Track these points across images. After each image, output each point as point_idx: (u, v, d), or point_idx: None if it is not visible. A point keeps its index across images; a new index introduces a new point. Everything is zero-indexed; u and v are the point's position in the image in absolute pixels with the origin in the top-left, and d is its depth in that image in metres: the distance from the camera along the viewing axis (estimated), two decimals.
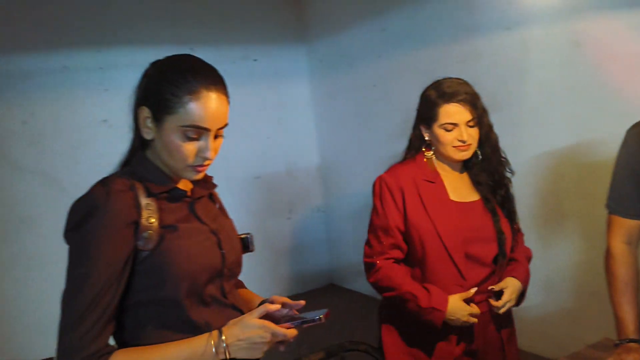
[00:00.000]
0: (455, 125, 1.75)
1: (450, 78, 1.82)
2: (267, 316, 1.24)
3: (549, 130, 2.96)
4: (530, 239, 3.08)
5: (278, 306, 1.25)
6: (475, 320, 1.74)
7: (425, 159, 1.86)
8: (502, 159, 1.88)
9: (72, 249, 1.15)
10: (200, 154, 1.21)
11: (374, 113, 4.33)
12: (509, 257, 1.87)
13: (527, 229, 3.09)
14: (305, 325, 1.24)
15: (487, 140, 1.83)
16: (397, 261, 1.86)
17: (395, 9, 3.91)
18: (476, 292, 1.78)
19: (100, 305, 1.11)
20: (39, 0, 3.85)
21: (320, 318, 1.23)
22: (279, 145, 4.95)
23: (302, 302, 1.31)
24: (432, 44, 3.63)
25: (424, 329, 1.79)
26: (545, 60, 2.92)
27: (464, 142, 1.75)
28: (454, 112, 1.74)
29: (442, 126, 1.76)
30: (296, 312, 1.30)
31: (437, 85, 1.80)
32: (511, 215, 1.90)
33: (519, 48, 3.04)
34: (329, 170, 5.09)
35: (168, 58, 1.25)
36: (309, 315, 1.26)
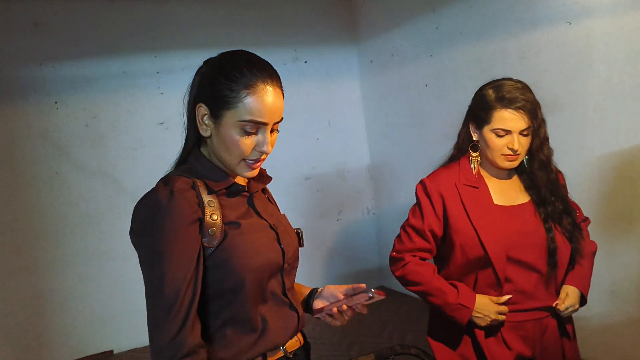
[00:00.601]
0: (508, 132, 1.67)
1: (512, 80, 1.72)
2: (323, 298, 1.36)
3: (616, 129, 2.80)
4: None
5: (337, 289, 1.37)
6: (504, 317, 1.69)
7: (469, 160, 1.79)
8: (553, 176, 1.77)
9: (142, 251, 1.16)
10: (257, 148, 1.21)
11: (425, 113, 4.24)
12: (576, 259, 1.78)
13: (593, 235, 2.95)
14: (359, 301, 1.29)
15: (537, 154, 1.73)
16: (423, 260, 1.83)
17: (449, 5, 3.82)
18: (530, 298, 1.71)
19: (183, 303, 1.12)
20: (98, 9, 4.03)
21: (373, 292, 1.25)
22: (329, 146, 4.94)
23: (363, 285, 1.33)
24: (488, 40, 3.51)
25: (477, 334, 1.74)
26: (611, 55, 2.77)
27: (514, 151, 1.67)
28: (509, 119, 1.66)
29: (494, 131, 1.68)
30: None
31: (496, 87, 1.71)
32: (570, 235, 1.78)
33: (582, 43, 2.90)
34: (379, 171, 5.03)
35: (222, 55, 1.26)
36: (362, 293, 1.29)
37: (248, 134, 1.19)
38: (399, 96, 4.52)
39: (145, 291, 1.15)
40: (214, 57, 1.26)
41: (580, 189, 2.92)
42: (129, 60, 4.15)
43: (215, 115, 1.19)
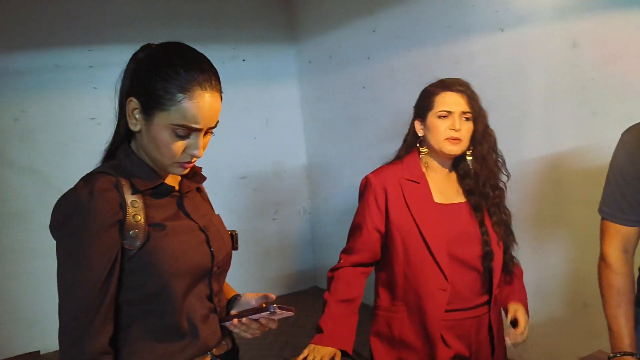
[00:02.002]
0: (449, 113, 1.72)
1: (453, 77, 1.81)
2: (239, 306, 1.30)
3: (545, 134, 2.92)
4: (523, 245, 3.04)
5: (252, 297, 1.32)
6: None
7: (417, 156, 1.82)
8: (499, 161, 1.84)
9: (58, 250, 1.10)
10: (188, 151, 1.16)
11: (362, 115, 4.28)
12: (510, 273, 1.85)
13: (520, 234, 3.04)
14: (262, 316, 1.24)
15: (485, 140, 1.79)
16: (364, 265, 1.83)
17: (386, 10, 3.87)
18: (467, 297, 1.74)
19: (91, 308, 1.07)
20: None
21: (274, 308, 1.20)
22: (267, 145, 4.92)
23: (273, 296, 1.29)
24: (424, 45, 3.58)
25: (417, 334, 1.75)
26: (542, 61, 2.88)
27: (456, 131, 1.71)
28: (449, 101, 1.73)
29: (437, 114, 1.74)
30: (263, 305, 1.26)
31: (438, 80, 1.81)
32: (503, 226, 1.84)
33: (514, 49, 3.00)
34: (316, 171, 5.03)
35: (161, 46, 1.18)
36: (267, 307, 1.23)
37: (180, 137, 1.13)
38: (337, 97, 4.54)
39: (58, 293, 1.10)
40: (153, 46, 1.19)
41: (510, 190, 3.00)
42: (62, 53, 4.03)
43: (147, 112, 1.13)
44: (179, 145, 1.14)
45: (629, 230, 1.59)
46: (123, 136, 1.21)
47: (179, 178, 1.28)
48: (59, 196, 1.12)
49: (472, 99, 1.74)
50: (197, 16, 4.51)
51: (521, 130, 3.02)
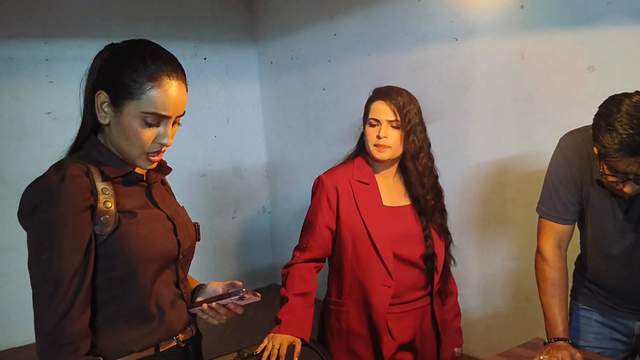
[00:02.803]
0: (378, 122, 1.84)
1: (398, 87, 1.92)
2: (205, 294, 1.38)
3: (492, 139, 3.08)
4: (469, 244, 3.21)
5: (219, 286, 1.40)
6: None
7: (367, 159, 1.94)
8: (434, 175, 1.95)
9: (30, 236, 1.13)
10: (158, 140, 1.22)
11: (322, 116, 4.37)
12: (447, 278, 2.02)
13: (466, 233, 3.20)
14: (230, 300, 1.30)
15: (418, 155, 1.90)
16: (316, 261, 1.93)
17: (347, 15, 3.97)
18: (411, 291, 1.86)
19: (69, 291, 1.10)
20: None
21: (243, 293, 1.27)
22: (227, 144, 4.95)
23: (239, 283, 1.36)
24: (382, 50, 3.70)
25: (363, 327, 1.86)
26: (491, 71, 3.04)
27: (380, 139, 1.83)
28: (378, 109, 1.85)
29: (369, 121, 1.87)
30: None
31: (379, 88, 1.94)
32: (443, 230, 1.96)
33: (466, 58, 3.15)
34: (276, 171, 5.11)
35: (126, 42, 1.24)
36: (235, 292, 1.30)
37: (150, 125, 1.19)
38: (298, 98, 4.62)
39: (31, 277, 1.13)
40: (118, 44, 1.24)
41: (459, 191, 3.17)
42: (16, 45, 3.93)
43: (116, 104, 1.18)
44: (149, 134, 1.20)
45: (564, 228, 1.74)
46: (90, 130, 1.25)
47: (145, 170, 1.32)
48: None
49: (401, 108, 1.84)
50: (157, 12, 4.50)
51: (470, 135, 3.18)
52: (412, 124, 1.86)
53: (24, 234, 1.15)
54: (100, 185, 1.18)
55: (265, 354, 1.66)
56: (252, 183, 5.16)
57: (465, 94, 3.19)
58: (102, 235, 1.16)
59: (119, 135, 1.21)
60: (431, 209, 1.93)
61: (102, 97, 1.19)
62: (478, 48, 3.09)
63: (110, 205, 1.18)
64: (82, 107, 1.26)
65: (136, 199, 1.26)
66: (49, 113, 3.97)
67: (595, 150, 1.51)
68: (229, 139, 4.96)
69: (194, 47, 4.70)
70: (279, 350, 1.68)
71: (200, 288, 1.45)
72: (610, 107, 1.45)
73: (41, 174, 1.17)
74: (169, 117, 1.21)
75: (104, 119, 1.21)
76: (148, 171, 1.32)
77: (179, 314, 1.32)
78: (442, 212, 1.97)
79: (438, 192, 1.96)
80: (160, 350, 1.25)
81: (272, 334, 1.75)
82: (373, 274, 1.85)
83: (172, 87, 1.19)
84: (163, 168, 1.38)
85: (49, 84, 4.01)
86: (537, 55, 2.82)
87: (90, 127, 1.25)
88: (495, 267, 3.15)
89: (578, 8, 2.62)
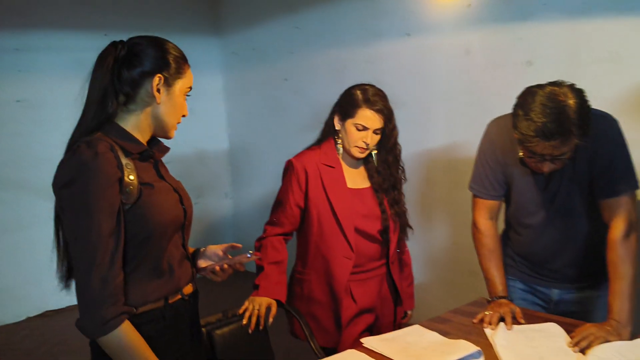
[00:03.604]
0: (365, 129, 2.03)
1: (375, 87, 2.08)
2: (206, 257, 1.61)
3: (440, 127, 3.36)
4: (419, 221, 3.49)
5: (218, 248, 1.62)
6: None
7: (333, 144, 2.14)
8: (401, 168, 2.21)
9: (68, 205, 1.29)
10: (185, 111, 1.50)
11: (284, 106, 4.57)
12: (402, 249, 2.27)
13: (418, 212, 3.48)
14: (238, 260, 1.57)
15: (392, 151, 2.14)
16: (286, 235, 2.16)
17: (308, 9, 4.18)
18: (370, 261, 2.13)
19: (108, 251, 1.28)
20: None
21: (251, 254, 1.54)
22: (190, 132, 5.03)
23: (239, 245, 1.59)
24: (341, 43, 3.93)
25: (324, 294, 2.11)
26: (441, 65, 3.31)
27: (366, 145, 2.05)
28: (369, 118, 2.02)
29: (355, 125, 2.04)
30: (229, 257, 1.60)
31: (363, 90, 2.06)
32: (401, 217, 2.22)
33: (419, 53, 3.42)
34: (239, 158, 5.28)
35: (143, 37, 1.45)
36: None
37: (184, 98, 1.48)
38: (260, 88, 4.81)
39: (71, 242, 1.30)
40: (138, 37, 1.45)
41: (411, 175, 3.43)
42: None
43: (169, 84, 1.42)
44: (185, 105, 1.48)
45: (493, 203, 2.01)
46: (109, 115, 1.40)
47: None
48: None
49: (387, 118, 2.05)
50: (122, 3, 4.59)
51: (425, 123, 3.45)
52: (392, 125, 2.09)
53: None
54: (124, 160, 1.36)
55: (247, 314, 1.89)
56: (215, 170, 5.31)
57: (417, 86, 3.46)
58: (127, 204, 1.34)
59: (167, 111, 1.44)
60: (396, 202, 2.18)
61: (157, 80, 1.40)
62: (428, 43, 3.36)
63: (133, 178, 1.35)
64: (96, 98, 1.39)
65: (150, 173, 1.45)
66: (18, 101, 4.05)
67: (515, 135, 1.73)
68: (193, 127, 5.04)
69: None
70: (258, 310, 1.91)
71: (198, 252, 1.65)
72: (527, 98, 1.68)
73: (73, 150, 1.32)
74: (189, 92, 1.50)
75: (159, 99, 1.42)
76: (153, 149, 1.51)
77: (185, 271, 1.52)
78: (400, 195, 2.22)
79: (399, 180, 2.21)
80: (169, 302, 1.44)
81: (252, 297, 1.97)
82: (336, 248, 2.08)
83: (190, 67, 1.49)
84: (162, 147, 1.57)
85: (18, 73, 4.09)
86: (481, 51, 3.10)
87: (106, 116, 1.40)
88: (442, 242, 3.45)
89: (518, 7, 2.91)
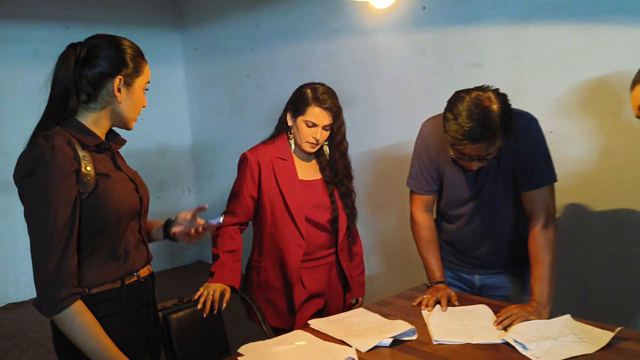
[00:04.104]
0: (315, 125, 2.16)
1: (324, 86, 2.21)
2: (178, 223, 1.73)
3: (393, 125, 3.50)
4: (369, 214, 3.62)
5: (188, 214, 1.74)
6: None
7: (286, 139, 2.26)
8: (348, 164, 2.33)
9: (27, 194, 1.39)
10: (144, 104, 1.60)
11: (246, 101, 4.66)
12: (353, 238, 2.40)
13: (364, 207, 3.62)
14: (209, 224, 1.73)
15: (339, 147, 2.27)
16: (241, 224, 2.27)
17: (269, 6, 4.27)
18: (320, 249, 2.24)
19: (63, 238, 1.37)
20: None
21: (222, 218, 1.71)
22: (151, 126, 5.07)
23: (205, 206, 1.72)
24: (302, 41, 4.04)
25: (278, 280, 2.22)
26: (395, 64, 3.45)
27: (316, 140, 2.17)
28: (318, 115, 2.15)
29: (306, 121, 2.17)
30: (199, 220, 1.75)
31: (313, 88, 2.18)
32: (350, 209, 2.34)
33: (374, 52, 3.55)
34: (201, 152, 5.34)
35: (104, 36, 1.53)
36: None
37: (144, 93, 1.58)
38: (222, 84, 4.88)
39: (30, 229, 1.38)
40: (96, 38, 1.52)
41: (361, 169, 3.57)
42: None
43: (129, 83, 1.51)
44: (144, 98, 1.58)
45: (428, 197, 2.16)
46: (71, 112, 1.50)
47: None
48: None
49: (335, 115, 2.18)
50: None
51: (379, 120, 3.59)
52: (340, 122, 2.22)
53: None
54: (81, 152, 1.45)
55: (202, 299, 1.99)
56: (177, 164, 5.36)
57: (373, 83, 3.59)
58: (84, 193, 1.44)
59: (127, 108, 1.53)
60: (341, 185, 2.31)
61: (118, 80, 1.50)
62: (384, 43, 3.49)
63: (90, 169, 1.45)
64: (51, 96, 1.49)
65: (106, 165, 1.54)
66: None
67: (446, 137, 1.86)
68: (154, 121, 5.10)
69: (118, 31, 4.78)
70: (213, 296, 2.00)
71: (170, 221, 1.77)
72: (455, 102, 1.82)
73: (31, 144, 1.42)
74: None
75: (119, 98, 1.51)
76: (110, 141, 1.60)
77: (141, 255, 1.62)
78: (350, 188, 2.34)
79: (349, 173, 2.33)
80: (125, 283, 1.55)
81: (207, 284, 2.07)
82: (288, 236, 2.20)
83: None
84: (119, 139, 1.66)
85: None
86: (434, 51, 3.25)
87: (69, 110, 1.50)
88: (387, 233, 3.60)
89: (468, 11, 3.06)
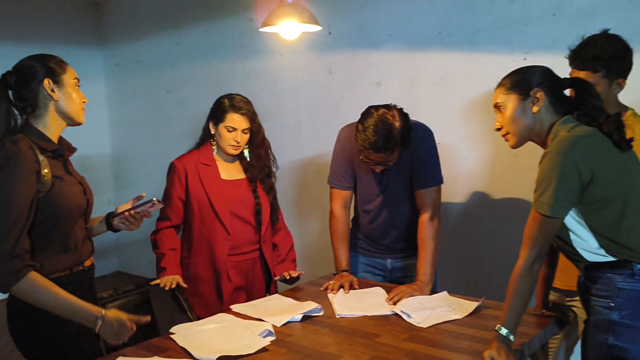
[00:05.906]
0: (234, 129, 2.45)
1: (240, 95, 2.53)
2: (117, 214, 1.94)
3: (309, 136, 3.85)
4: (294, 219, 3.93)
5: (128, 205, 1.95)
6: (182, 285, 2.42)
7: (210, 147, 2.55)
8: (272, 159, 2.65)
9: None
10: (83, 98, 1.86)
11: (167, 116, 4.84)
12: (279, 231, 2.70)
13: (289, 213, 3.92)
14: (144, 208, 1.91)
15: (262, 145, 2.59)
16: (175, 226, 2.55)
17: (189, 26, 4.50)
18: (245, 244, 2.50)
19: (21, 225, 1.62)
20: None
21: (154, 201, 1.89)
22: (70, 138, 5.08)
23: (143, 194, 1.97)
24: (221, 60, 4.31)
25: (208, 273, 2.48)
26: (309, 83, 3.80)
27: (238, 142, 2.46)
28: (236, 120, 2.46)
29: (226, 127, 2.46)
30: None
31: (230, 98, 2.51)
32: (274, 201, 2.65)
33: (290, 71, 3.89)
34: (122, 165, 5.44)
35: (24, 58, 1.79)
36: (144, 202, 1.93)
37: (77, 89, 1.84)
38: (143, 98, 5.03)
39: None
40: (21, 60, 1.79)
41: (286, 179, 3.89)
42: None
43: (57, 82, 1.76)
44: (80, 93, 1.82)
45: (346, 193, 2.52)
46: (21, 128, 1.75)
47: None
48: None
49: (251, 119, 2.50)
50: (7, 13, 4.64)
51: (296, 134, 3.92)
52: (257, 124, 2.53)
53: None
54: (40, 157, 1.71)
55: (163, 282, 2.32)
56: (97, 176, 5.40)
57: (289, 100, 3.93)
58: (42, 192, 1.70)
59: (67, 102, 1.80)
60: (269, 191, 2.62)
61: (47, 83, 1.74)
62: (298, 63, 3.84)
63: (47, 171, 1.71)
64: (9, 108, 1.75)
65: (60, 169, 1.81)
66: None
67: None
68: (74, 134, 5.11)
69: (42, 48, 4.73)
70: (171, 281, 2.33)
71: (112, 213, 2.02)
72: (366, 117, 2.20)
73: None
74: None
75: (55, 97, 1.75)
76: (63, 149, 1.83)
77: (86, 248, 1.89)
78: (273, 183, 2.65)
79: (270, 171, 2.63)
80: (73, 271, 1.82)
81: (162, 278, 2.36)
82: (215, 231, 2.48)
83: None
84: (70, 147, 1.89)
85: None
86: (341, 72, 3.63)
87: (19, 126, 1.76)
88: (312, 236, 3.92)
89: (369, 37, 3.47)
